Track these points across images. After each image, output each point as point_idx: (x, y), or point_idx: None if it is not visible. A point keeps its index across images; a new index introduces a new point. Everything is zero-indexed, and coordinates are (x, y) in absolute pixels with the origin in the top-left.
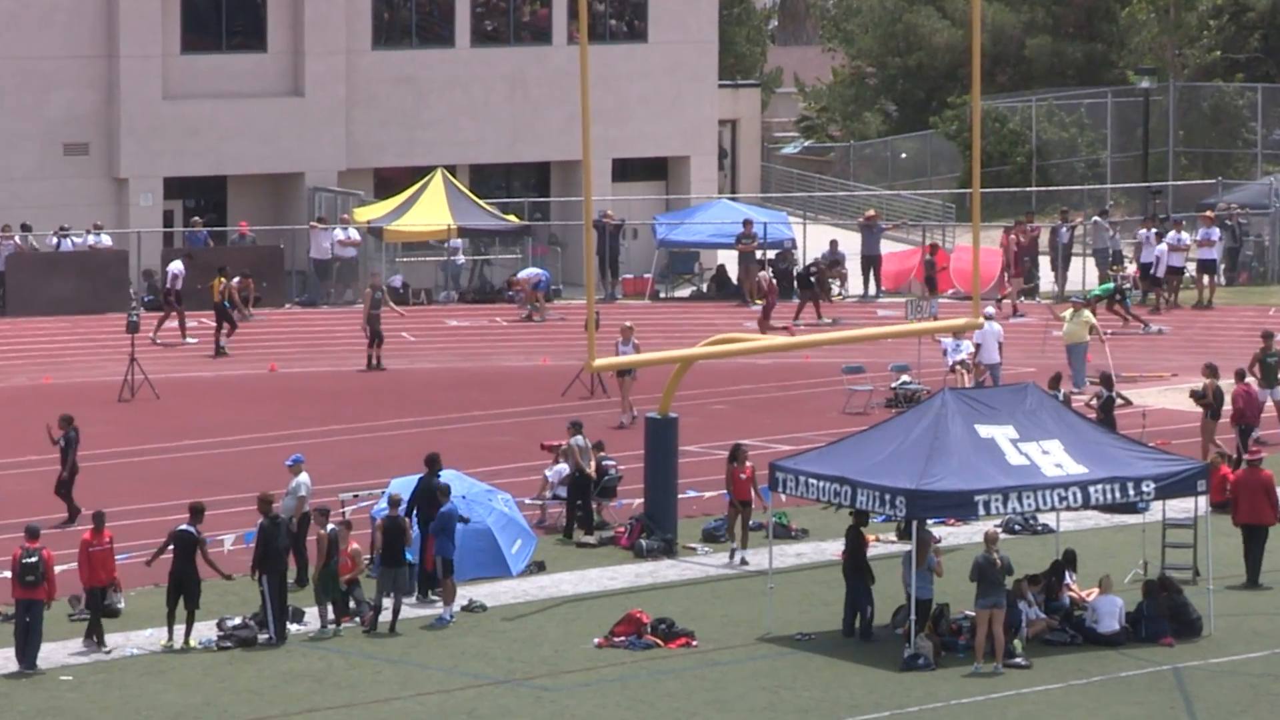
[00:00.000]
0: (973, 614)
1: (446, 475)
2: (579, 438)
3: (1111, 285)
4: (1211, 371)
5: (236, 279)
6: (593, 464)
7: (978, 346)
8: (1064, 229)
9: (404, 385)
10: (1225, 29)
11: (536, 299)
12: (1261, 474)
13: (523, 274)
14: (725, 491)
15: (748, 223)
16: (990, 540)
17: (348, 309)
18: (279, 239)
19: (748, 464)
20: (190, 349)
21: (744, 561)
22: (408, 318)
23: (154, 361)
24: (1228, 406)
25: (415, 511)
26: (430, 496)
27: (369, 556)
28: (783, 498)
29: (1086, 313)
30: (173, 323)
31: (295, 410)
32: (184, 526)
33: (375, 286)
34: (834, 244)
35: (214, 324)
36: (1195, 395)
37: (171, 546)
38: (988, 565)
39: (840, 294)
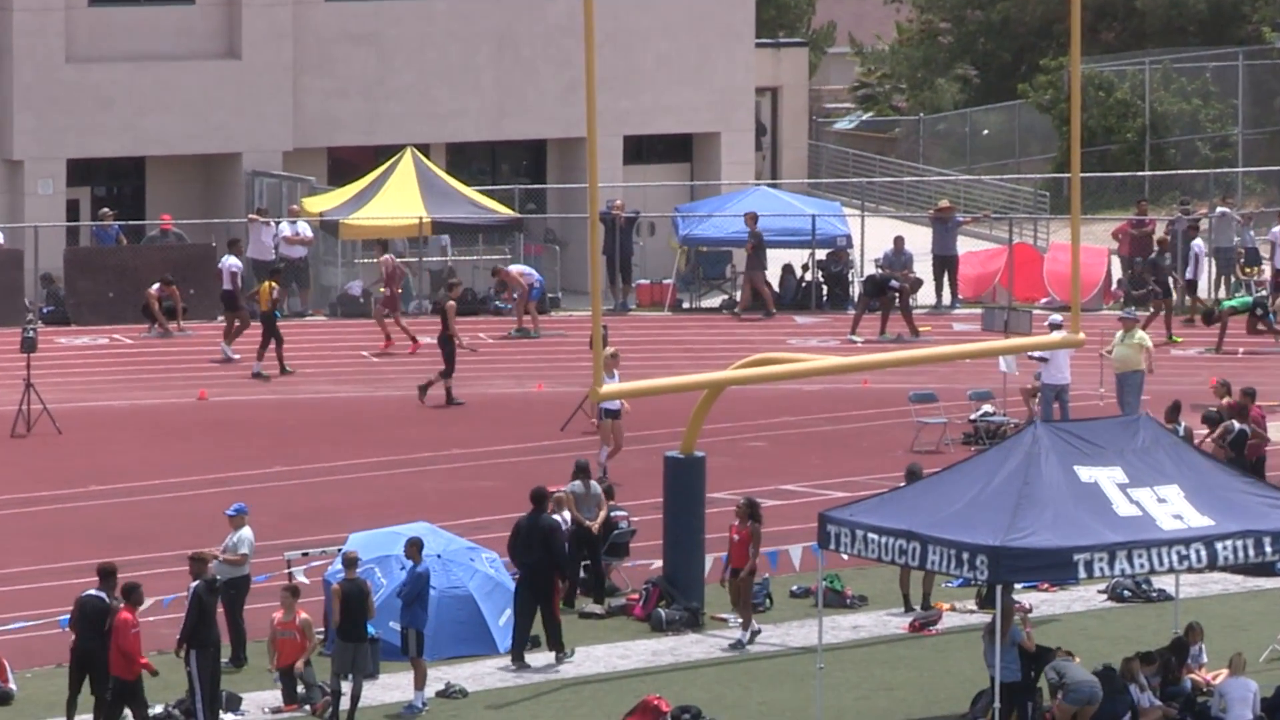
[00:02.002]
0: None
1: (417, 529)
2: (576, 482)
3: (1249, 297)
4: None
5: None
6: (601, 515)
7: (1042, 362)
8: (1182, 221)
9: (365, 417)
10: None
11: (529, 309)
12: None
13: (515, 268)
14: (724, 555)
15: (751, 217)
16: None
17: (298, 322)
18: (210, 236)
19: (748, 522)
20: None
21: (742, 643)
22: (368, 332)
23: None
24: None
25: (516, 559)
26: (540, 538)
27: (321, 630)
28: (844, 556)
29: (1141, 333)
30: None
31: (230, 448)
32: (91, 592)
33: (452, 295)
34: (899, 242)
35: (260, 337)
36: None
37: (75, 618)
38: (1067, 663)
39: (907, 303)
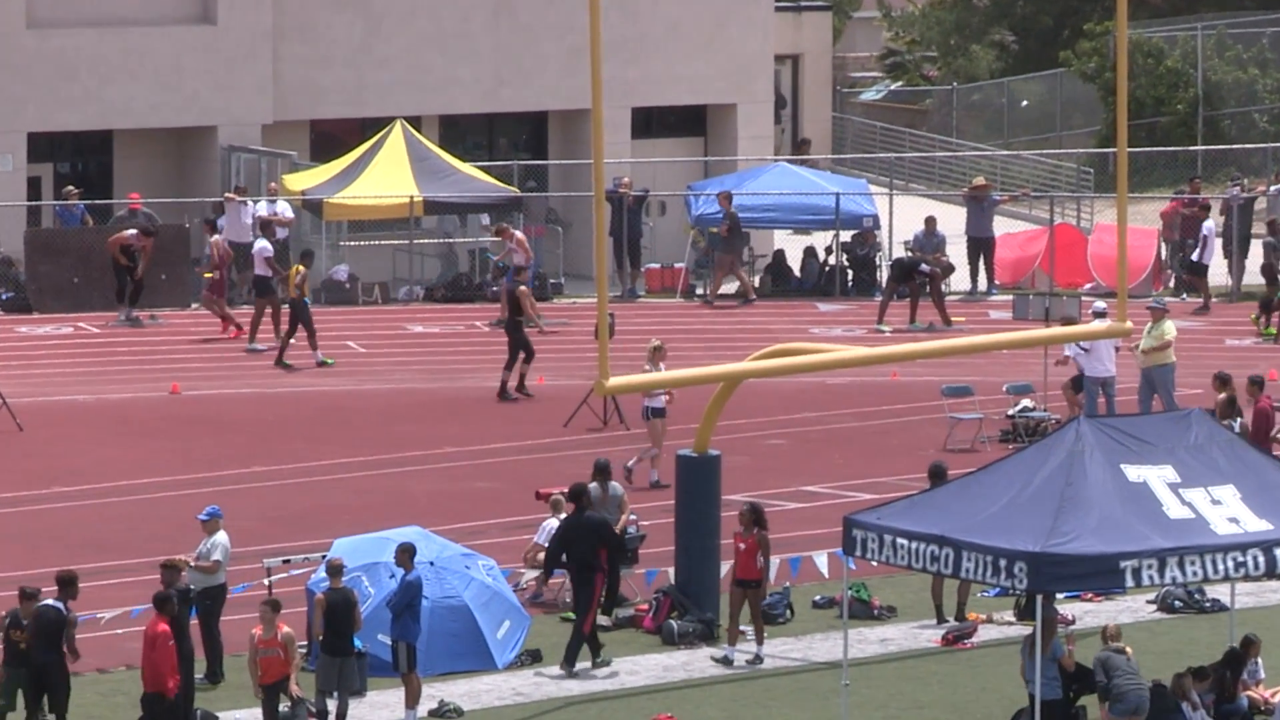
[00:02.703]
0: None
1: (408, 534)
2: (594, 485)
3: None
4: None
5: (132, 231)
6: (623, 520)
7: (1083, 352)
8: (1239, 198)
9: (351, 412)
10: None
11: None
12: None
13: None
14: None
15: (725, 196)
16: (1112, 636)
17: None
18: (183, 216)
19: (754, 529)
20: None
21: (757, 658)
22: (356, 321)
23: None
24: None
25: (566, 558)
26: (585, 535)
27: (304, 644)
28: (873, 564)
29: (1169, 324)
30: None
31: (204, 446)
32: (49, 602)
33: (521, 279)
34: (931, 223)
35: (279, 327)
36: None
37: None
38: (1116, 656)
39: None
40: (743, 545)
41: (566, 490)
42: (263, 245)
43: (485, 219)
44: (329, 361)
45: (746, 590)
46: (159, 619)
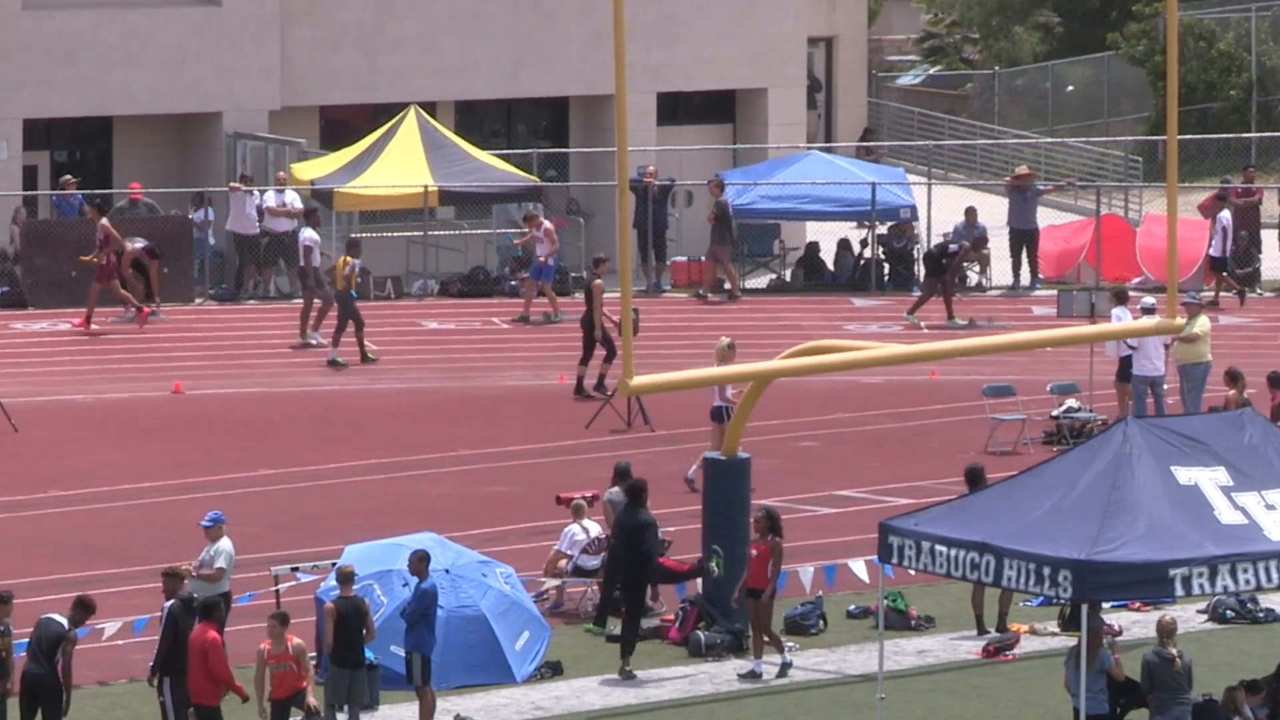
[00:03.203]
0: None
1: (422, 540)
2: (615, 490)
3: None
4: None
5: (140, 243)
6: None
7: (1131, 352)
8: None
9: (362, 412)
10: None
11: (543, 289)
12: None
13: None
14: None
15: (716, 185)
16: (1166, 633)
17: (283, 305)
18: (185, 206)
19: (769, 536)
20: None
21: (754, 674)
22: (367, 317)
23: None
24: None
25: (615, 561)
26: (634, 536)
27: (314, 655)
28: (910, 572)
29: (1204, 320)
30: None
31: (209, 448)
32: (53, 615)
33: (599, 272)
34: (971, 213)
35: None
36: None
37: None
38: (1163, 664)
39: (980, 283)
40: (754, 552)
41: (624, 486)
42: (308, 235)
43: (513, 209)
44: (341, 362)
45: (753, 600)
46: (207, 625)
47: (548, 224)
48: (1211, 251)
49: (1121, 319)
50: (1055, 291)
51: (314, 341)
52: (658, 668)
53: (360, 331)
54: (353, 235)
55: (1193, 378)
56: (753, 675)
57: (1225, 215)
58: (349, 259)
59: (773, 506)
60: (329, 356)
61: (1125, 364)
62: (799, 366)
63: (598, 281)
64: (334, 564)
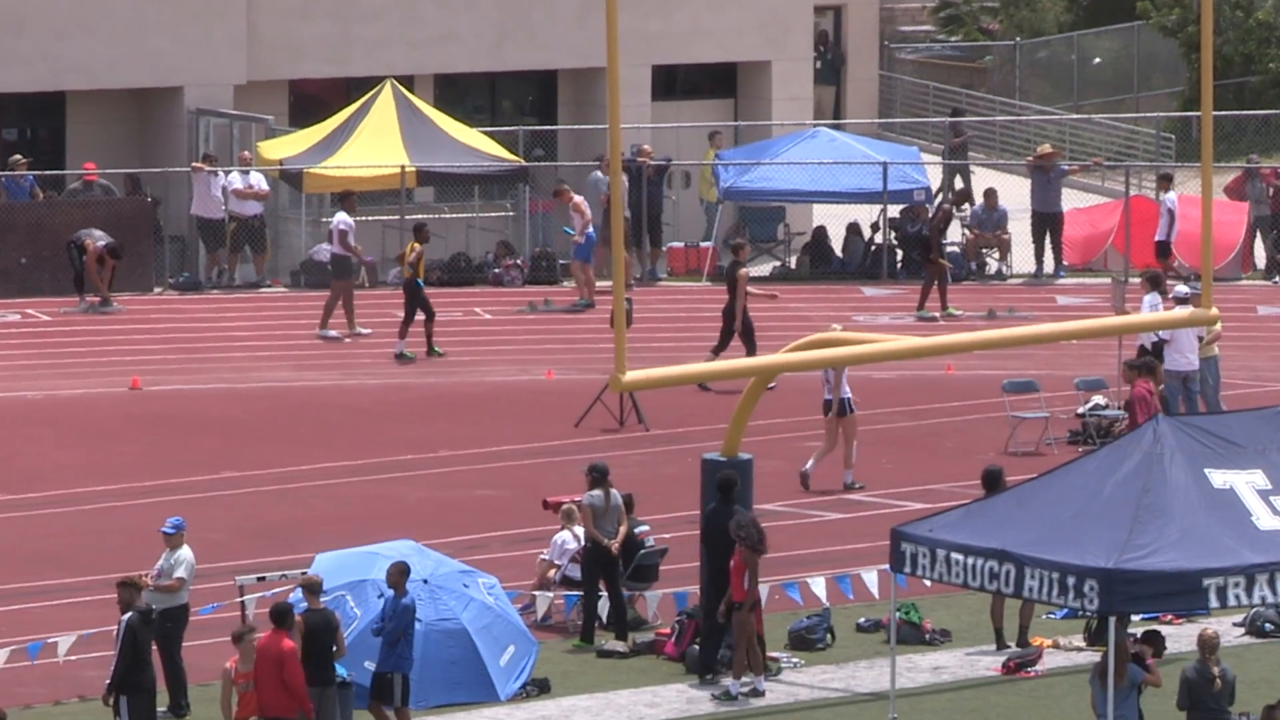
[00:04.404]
0: None
1: (399, 548)
2: (597, 492)
3: None
4: None
5: (103, 241)
6: (621, 532)
7: (1162, 344)
8: None
9: (335, 410)
10: None
11: (582, 272)
12: None
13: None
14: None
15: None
16: (1208, 648)
17: (250, 295)
18: (145, 189)
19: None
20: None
21: (729, 694)
22: (337, 310)
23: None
24: None
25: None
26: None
27: None
28: (926, 583)
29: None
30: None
31: (170, 448)
32: None
33: (739, 256)
34: (991, 195)
35: (402, 311)
36: None
37: None
38: (1203, 683)
39: (1000, 271)
40: (733, 562)
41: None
42: (341, 219)
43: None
44: (409, 355)
45: (739, 612)
46: (279, 634)
47: (578, 198)
48: (1156, 236)
49: (1156, 307)
50: (1108, 280)
51: (334, 334)
52: (653, 685)
53: (430, 323)
54: (419, 219)
55: (1206, 372)
56: (754, 693)
57: (1171, 197)
58: (416, 245)
59: (747, 514)
60: (396, 349)
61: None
62: (805, 360)
63: (742, 270)
64: (304, 573)
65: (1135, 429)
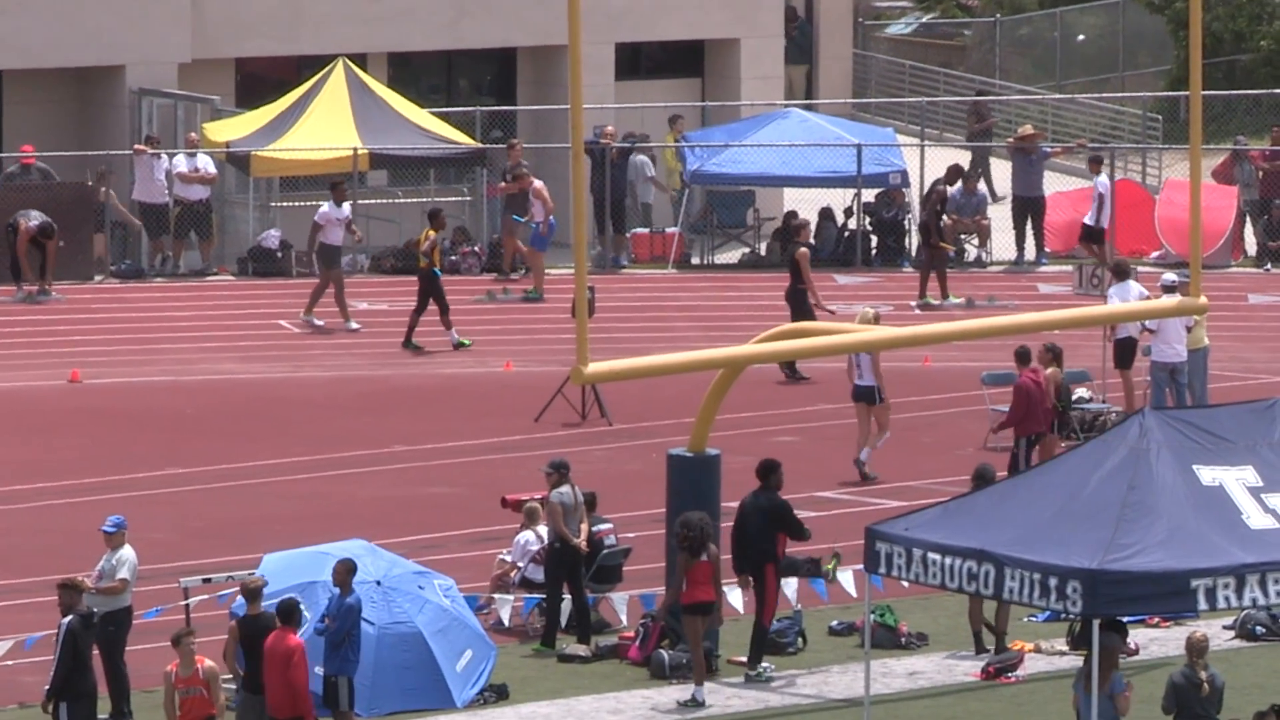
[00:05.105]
0: None
1: (351, 548)
2: (564, 489)
3: None
4: None
5: (36, 221)
6: (584, 530)
7: (1149, 334)
8: None
9: (284, 403)
10: None
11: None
12: None
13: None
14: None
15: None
16: (1196, 651)
17: (195, 284)
18: (84, 172)
19: (710, 548)
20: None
21: (695, 700)
22: (289, 296)
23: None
24: None
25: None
26: (773, 520)
27: (229, 678)
28: (904, 584)
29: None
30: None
31: (112, 443)
32: None
33: (800, 239)
34: (971, 179)
35: (415, 301)
36: None
37: None
38: (1190, 688)
39: (979, 258)
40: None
41: (757, 467)
42: (321, 212)
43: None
44: (466, 343)
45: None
46: (286, 631)
47: (538, 182)
48: (1086, 220)
49: (1124, 298)
50: (1070, 267)
51: (320, 323)
52: (616, 690)
53: (446, 314)
54: (434, 206)
55: (1194, 364)
56: (694, 703)
57: (1103, 181)
58: (431, 232)
59: (691, 515)
60: (452, 340)
61: (1124, 348)
62: (776, 352)
63: (803, 250)
64: (251, 574)
65: (1006, 424)
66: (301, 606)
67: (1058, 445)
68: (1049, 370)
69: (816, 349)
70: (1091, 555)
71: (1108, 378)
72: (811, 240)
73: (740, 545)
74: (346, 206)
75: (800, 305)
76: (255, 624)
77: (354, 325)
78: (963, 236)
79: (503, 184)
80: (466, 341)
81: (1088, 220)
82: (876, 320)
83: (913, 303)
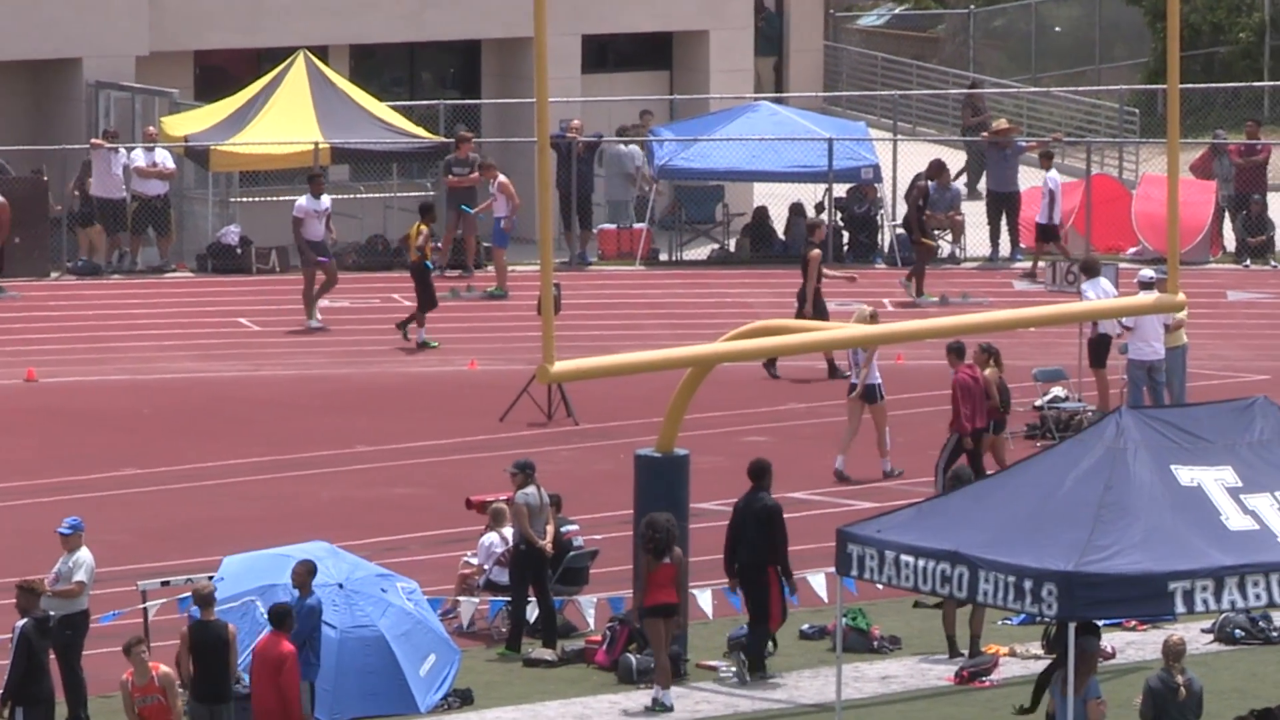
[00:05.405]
0: None
1: (312, 550)
2: (530, 490)
3: None
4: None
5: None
6: (550, 531)
7: (1126, 331)
8: None
9: (244, 403)
10: None
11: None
12: None
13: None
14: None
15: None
16: (1173, 655)
17: (155, 279)
18: (40, 166)
19: (675, 550)
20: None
21: (660, 704)
22: (249, 293)
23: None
24: None
25: (738, 541)
26: (764, 519)
27: (182, 687)
28: (878, 586)
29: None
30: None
31: (68, 443)
32: None
33: (813, 237)
34: (944, 174)
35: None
36: None
37: None
38: (1167, 693)
39: (953, 254)
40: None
41: (749, 468)
42: (299, 205)
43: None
44: (434, 344)
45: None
46: (279, 636)
47: (503, 177)
48: (1038, 218)
49: (1095, 296)
50: (1045, 263)
51: (316, 324)
52: (583, 696)
53: (423, 311)
54: (426, 199)
55: (1172, 363)
56: (659, 706)
57: (1054, 177)
58: (423, 226)
59: (657, 515)
60: (417, 338)
61: (1098, 346)
62: (745, 350)
63: (815, 251)
64: (212, 578)
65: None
66: (261, 609)
67: (1006, 445)
68: (987, 371)
69: (785, 347)
70: (1067, 557)
71: (1083, 376)
72: (824, 238)
73: (736, 548)
74: (326, 199)
75: (816, 305)
76: (206, 630)
77: (316, 322)
78: (936, 232)
79: (450, 177)
80: (434, 343)
81: (1040, 219)
82: (874, 319)
83: (918, 297)
